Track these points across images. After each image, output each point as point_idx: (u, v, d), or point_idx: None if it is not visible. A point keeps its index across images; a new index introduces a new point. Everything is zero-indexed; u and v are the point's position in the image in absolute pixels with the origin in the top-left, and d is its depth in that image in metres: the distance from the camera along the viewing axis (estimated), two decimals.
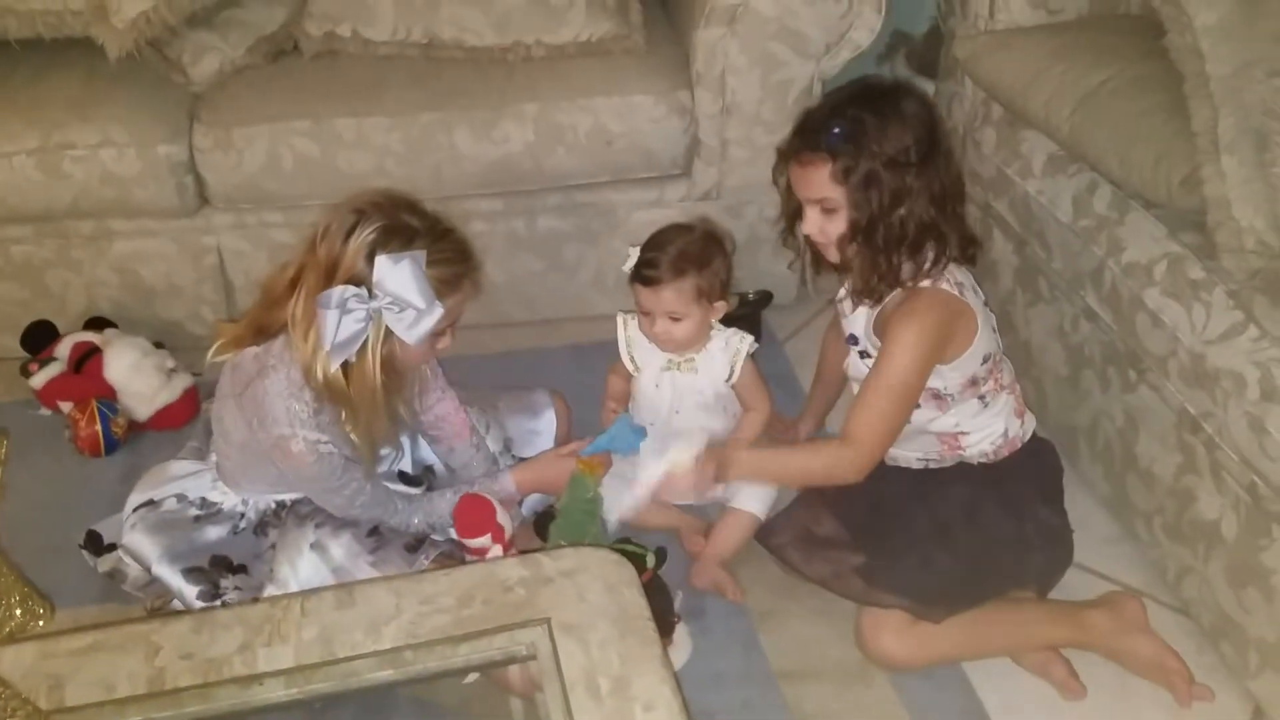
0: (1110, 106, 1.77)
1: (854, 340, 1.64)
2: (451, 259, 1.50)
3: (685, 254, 1.72)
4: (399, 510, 1.64)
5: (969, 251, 1.55)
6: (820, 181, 1.47)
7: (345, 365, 1.47)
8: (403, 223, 1.46)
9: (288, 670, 1.13)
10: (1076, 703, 1.60)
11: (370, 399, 1.51)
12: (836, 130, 1.44)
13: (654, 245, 1.75)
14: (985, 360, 1.56)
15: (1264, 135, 1.47)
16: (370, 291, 1.43)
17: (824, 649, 1.67)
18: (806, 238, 1.55)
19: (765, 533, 1.77)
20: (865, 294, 1.55)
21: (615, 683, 1.10)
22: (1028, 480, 1.67)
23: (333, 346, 1.43)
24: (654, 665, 1.12)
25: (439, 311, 1.45)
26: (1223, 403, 1.51)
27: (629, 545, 1.66)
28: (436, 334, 1.52)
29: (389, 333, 1.46)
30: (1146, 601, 1.71)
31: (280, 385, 1.49)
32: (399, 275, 1.41)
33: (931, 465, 1.67)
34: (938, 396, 1.58)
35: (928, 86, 2.41)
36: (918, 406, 1.60)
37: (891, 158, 1.44)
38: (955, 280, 1.52)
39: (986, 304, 1.61)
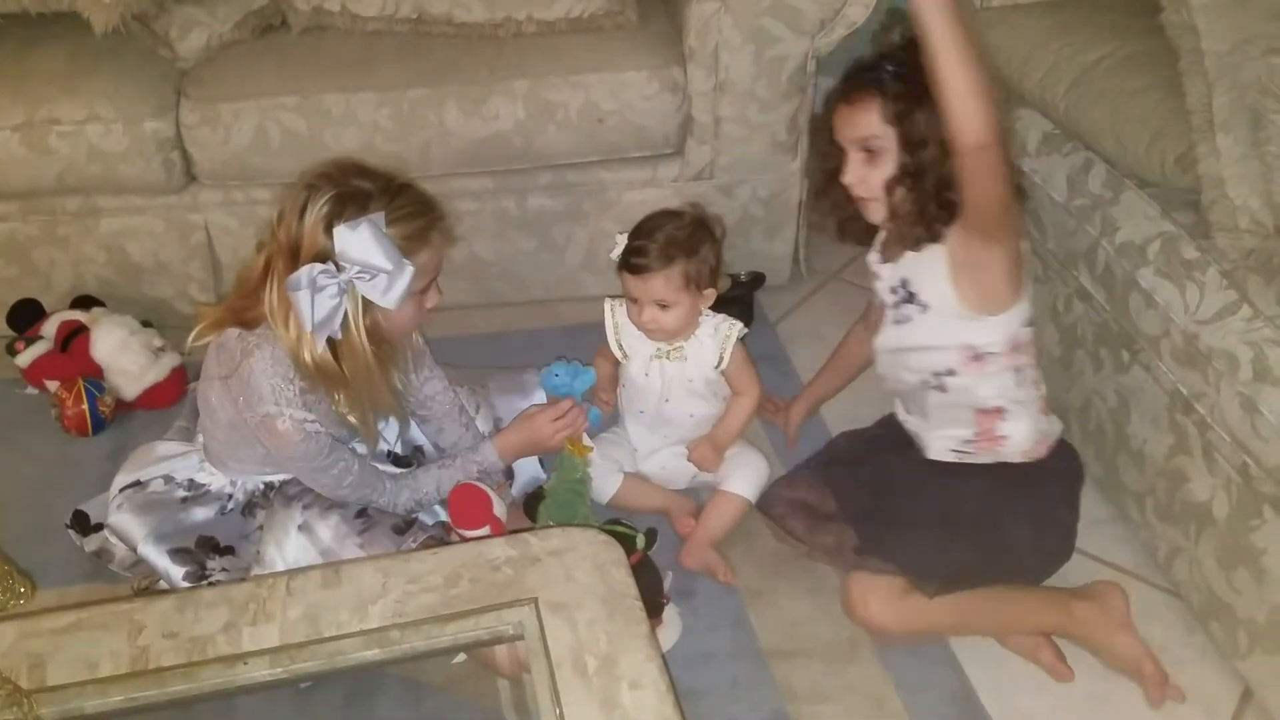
0: (1106, 84, 1.75)
1: (905, 289, 1.56)
2: (412, 213, 1.47)
3: (674, 241, 1.70)
4: (387, 490, 1.63)
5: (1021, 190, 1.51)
6: (869, 120, 1.45)
7: (333, 345, 1.46)
8: (354, 188, 1.43)
9: (272, 650, 1.13)
10: (1064, 684, 1.60)
11: (365, 373, 1.49)
12: (890, 68, 1.43)
13: (642, 232, 1.72)
14: (1027, 324, 1.53)
15: (1259, 113, 1.46)
16: (337, 265, 1.41)
17: (813, 627, 1.67)
18: (846, 193, 1.52)
19: (767, 502, 1.75)
20: (907, 240, 1.51)
21: (602, 661, 1.10)
22: (1055, 483, 1.65)
23: (314, 327, 1.41)
24: (641, 644, 1.11)
25: (409, 270, 1.43)
26: (1215, 383, 1.51)
27: (619, 526, 1.66)
28: (420, 293, 1.51)
29: (369, 303, 1.44)
30: (1137, 583, 1.72)
31: (266, 364, 1.47)
32: (359, 240, 1.39)
33: (966, 459, 1.62)
34: (976, 356, 1.53)
35: None
36: (950, 373, 1.55)
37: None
38: None
39: None
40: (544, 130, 2.09)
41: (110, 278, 2.21)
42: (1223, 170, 1.51)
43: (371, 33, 2.16)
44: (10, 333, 2.15)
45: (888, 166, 1.46)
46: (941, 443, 1.63)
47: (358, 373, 1.48)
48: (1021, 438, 1.59)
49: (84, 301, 2.17)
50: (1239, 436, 1.48)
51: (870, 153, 1.47)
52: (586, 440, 1.65)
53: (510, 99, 2.06)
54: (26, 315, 2.16)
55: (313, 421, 1.50)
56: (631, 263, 1.70)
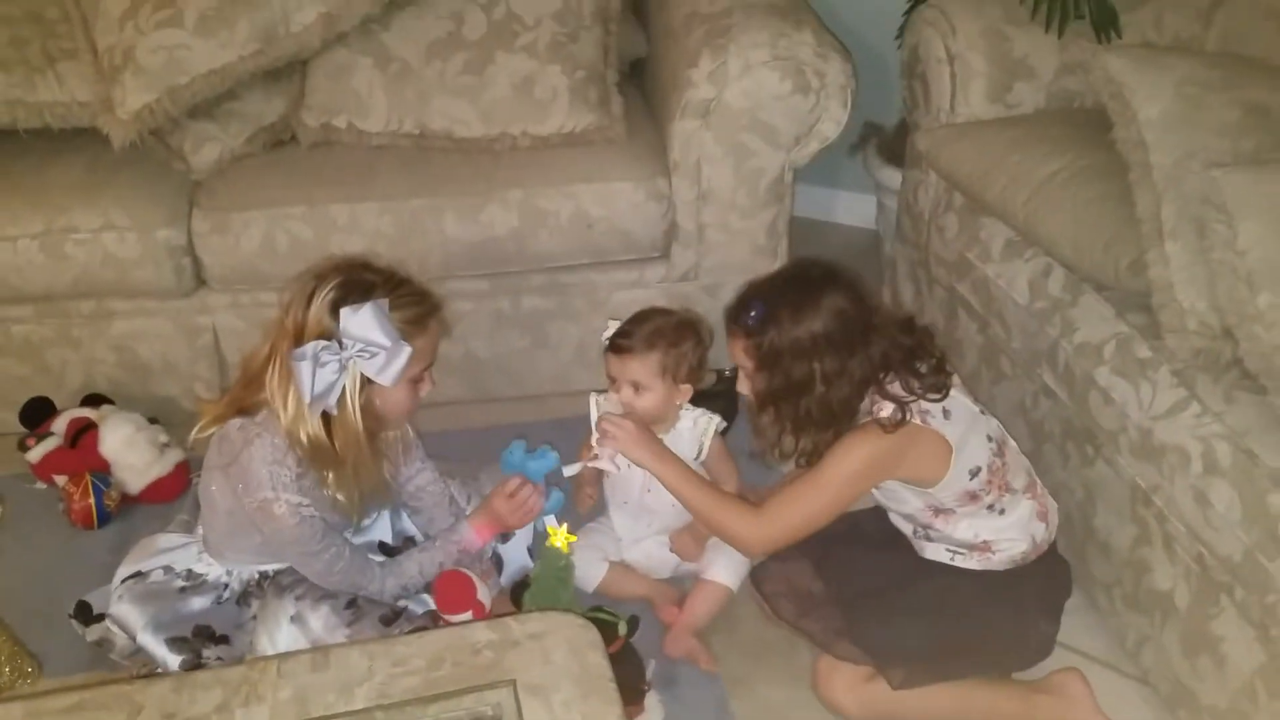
0: (1062, 194, 1.86)
1: None
2: (412, 301, 1.59)
3: (659, 331, 1.81)
4: (376, 577, 1.69)
5: (936, 391, 1.58)
6: (737, 352, 1.62)
7: (328, 423, 1.55)
8: (360, 278, 1.56)
9: None
10: None
11: (356, 450, 1.58)
12: (754, 312, 1.57)
13: (633, 320, 1.84)
14: (974, 474, 1.59)
15: (1203, 222, 1.56)
16: (340, 343, 1.51)
17: (792, 713, 1.71)
18: None
19: (761, 578, 1.81)
20: (769, 452, 1.65)
21: None
22: (1039, 591, 1.70)
23: (312, 398, 1.50)
24: None
25: (406, 350, 1.53)
26: (1169, 476, 1.58)
27: (601, 613, 1.71)
28: (415, 381, 1.61)
29: (366, 382, 1.54)
30: (1108, 671, 1.76)
31: (265, 451, 1.56)
32: (363, 320, 1.50)
33: (957, 562, 1.68)
34: (939, 511, 1.63)
35: (896, 176, 2.52)
36: (928, 526, 1.65)
37: (800, 344, 1.53)
38: (919, 410, 1.55)
39: (984, 412, 1.65)
40: (537, 236, 2.19)
41: (120, 377, 2.29)
42: (1171, 276, 1.61)
43: (376, 147, 2.27)
44: (22, 429, 2.22)
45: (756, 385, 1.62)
46: (936, 549, 1.69)
47: (348, 449, 1.57)
48: (1014, 553, 1.65)
49: (94, 399, 2.25)
50: (1193, 527, 1.55)
51: (749, 375, 1.62)
52: (568, 529, 1.72)
53: (505, 207, 2.17)
54: (38, 413, 2.23)
55: (307, 506, 1.58)
56: (615, 342, 1.81)
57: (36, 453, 2.15)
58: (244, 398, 1.62)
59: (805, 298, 1.54)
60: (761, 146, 2.14)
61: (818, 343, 1.53)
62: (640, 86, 2.52)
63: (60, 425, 2.17)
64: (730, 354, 1.65)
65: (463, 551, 1.75)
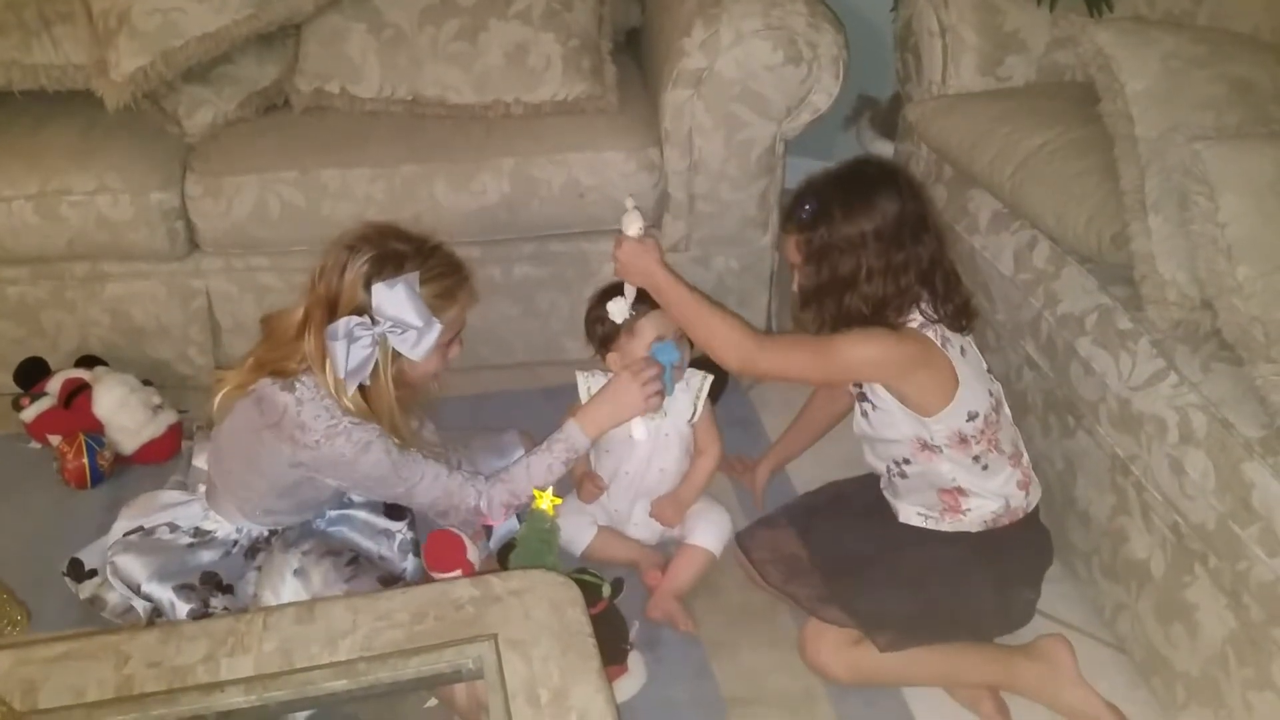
0: (1048, 167, 1.87)
1: (859, 386, 1.69)
2: (443, 273, 1.62)
3: None
4: (472, 487, 1.68)
5: (960, 323, 1.61)
6: (789, 249, 1.63)
7: (362, 388, 1.59)
8: (392, 249, 1.58)
9: (247, 679, 1.21)
10: None
11: (389, 414, 1.63)
12: (806, 207, 1.58)
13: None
14: (972, 418, 1.60)
15: (1185, 195, 1.56)
16: (373, 318, 1.55)
17: (772, 678, 1.74)
18: None
19: (748, 543, 1.84)
20: None
21: (554, 694, 1.18)
22: (1020, 558, 1.72)
23: (346, 374, 1.55)
24: (591, 678, 1.19)
25: (438, 328, 1.58)
26: (1147, 446, 1.60)
27: (586, 575, 1.73)
28: (444, 345, 1.65)
29: (396, 353, 1.58)
30: (1086, 639, 1.78)
31: (312, 392, 1.59)
32: (396, 299, 1.54)
33: (929, 525, 1.70)
34: (926, 446, 1.64)
35: (890, 149, 2.53)
36: (906, 462, 1.66)
37: (849, 240, 1.54)
38: (941, 335, 1.58)
39: (990, 372, 1.68)
40: (528, 204, 2.21)
41: (113, 339, 2.31)
42: (1153, 248, 1.62)
43: (369, 113, 2.28)
44: (17, 390, 2.24)
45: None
46: (909, 511, 1.72)
47: (382, 414, 1.62)
48: (985, 512, 1.67)
49: (88, 361, 2.26)
50: (1169, 496, 1.57)
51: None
52: (553, 493, 1.74)
53: (497, 175, 2.18)
54: (32, 373, 2.25)
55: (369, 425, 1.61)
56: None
57: (31, 413, 2.17)
58: (271, 361, 1.63)
59: (858, 195, 1.55)
60: (753, 117, 2.15)
61: (866, 239, 1.54)
62: (635, 56, 2.53)
63: (54, 386, 2.19)
64: (783, 251, 1.65)
65: (570, 452, 1.72)
